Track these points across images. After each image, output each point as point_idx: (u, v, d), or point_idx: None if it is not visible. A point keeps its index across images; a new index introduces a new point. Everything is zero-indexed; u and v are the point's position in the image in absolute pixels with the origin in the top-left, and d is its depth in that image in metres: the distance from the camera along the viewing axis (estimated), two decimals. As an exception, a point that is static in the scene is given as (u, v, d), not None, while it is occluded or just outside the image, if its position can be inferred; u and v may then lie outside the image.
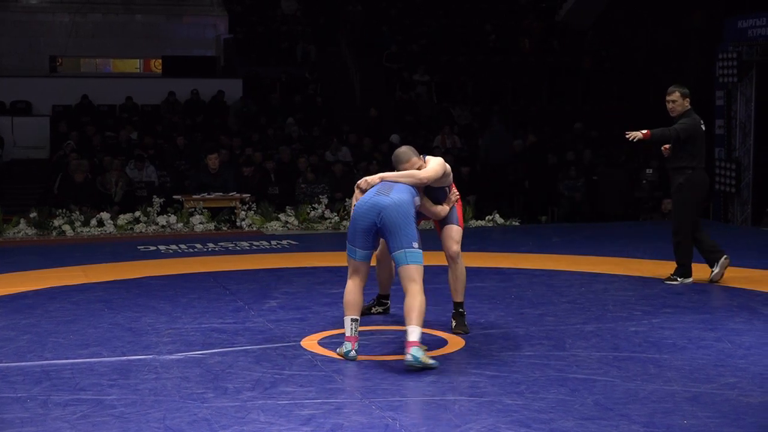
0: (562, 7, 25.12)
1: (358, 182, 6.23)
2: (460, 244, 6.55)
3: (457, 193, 6.68)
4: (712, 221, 14.46)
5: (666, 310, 7.26)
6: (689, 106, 8.40)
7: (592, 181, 16.40)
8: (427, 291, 7.65)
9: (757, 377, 5.39)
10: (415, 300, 5.68)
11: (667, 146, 8.48)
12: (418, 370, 5.49)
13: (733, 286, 8.27)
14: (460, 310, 6.65)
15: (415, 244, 5.77)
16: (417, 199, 6.15)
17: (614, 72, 22.80)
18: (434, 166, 6.31)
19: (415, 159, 6.28)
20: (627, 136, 8.29)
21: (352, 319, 5.88)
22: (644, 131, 8.21)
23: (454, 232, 6.53)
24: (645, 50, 23.15)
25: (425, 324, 6.67)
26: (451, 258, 6.54)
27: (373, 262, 6.65)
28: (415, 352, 5.49)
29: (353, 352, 5.82)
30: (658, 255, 10.12)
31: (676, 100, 8.39)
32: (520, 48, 23.26)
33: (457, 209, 6.63)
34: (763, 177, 14.63)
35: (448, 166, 6.49)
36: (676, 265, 8.48)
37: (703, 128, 8.42)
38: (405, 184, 6.07)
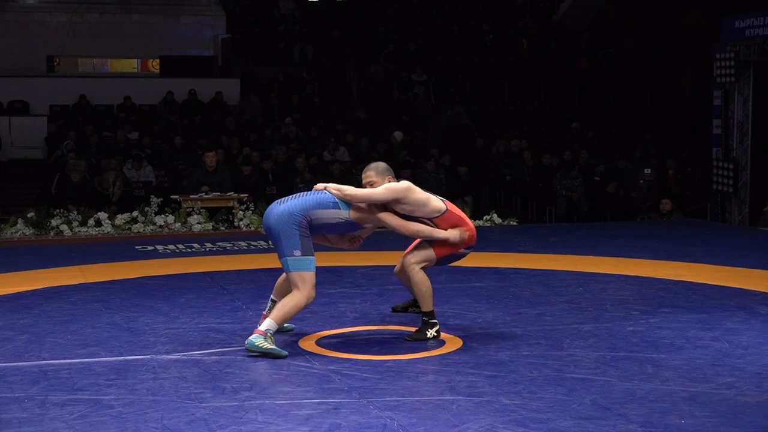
0: (559, 7, 25.16)
1: (316, 186, 6.36)
2: (419, 258, 6.28)
3: (469, 234, 6.36)
4: (709, 221, 14.48)
5: (663, 310, 7.26)
6: None
7: (593, 181, 16.42)
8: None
9: (755, 377, 5.39)
10: (287, 301, 5.97)
11: None
12: (261, 355, 5.79)
13: (731, 285, 8.28)
14: (423, 318, 6.35)
15: (297, 252, 5.97)
16: (341, 212, 6.10)
17: (611, 72, 22.84)
18: (376, 189, 6.17)
19: (371, 173, 6.26)
20: None
21: (271, 299, 6.43)
22: None
23: (422, 249, 6.32)
24: (642, 50, 23.18)
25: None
26: (405, 265, 6.34)
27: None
28: (254, 338, 5.84)
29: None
30: (656, 255, 10.13)
31: None
32: (517, 48, 23.29)
33: (448, 245, 6.31)
34: (761, 177, 14.65)
35: (411, 195, 6.20)
36: None
37: None
38: (334, 195, 6.13)
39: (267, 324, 5.90)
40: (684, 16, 21.97)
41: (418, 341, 6.24)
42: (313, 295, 6.01)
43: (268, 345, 5.83)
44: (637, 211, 15.48)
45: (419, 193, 6.28)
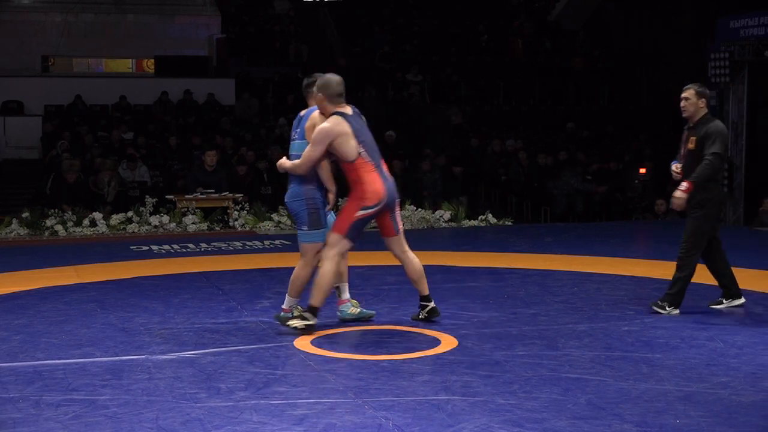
0: (554, 7, 25.17)
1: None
2: (329, 249, 6.41)
3: (366, 196, 6.36)
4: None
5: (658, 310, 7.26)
6: (707, 109, 7.19)
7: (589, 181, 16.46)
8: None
9: (749, 376, 5.40)
10: (295, 273, 6.55)
11: (677, 167, 7.33)
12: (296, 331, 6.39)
13: (726, 285, 8.28)
14: (304, 311, 6.48)
15: (304, 227, 6.50)
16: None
17: (606, 72, 22.86)
18: (297, 162, 6.44)
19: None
20: (674, 206, 7.24)
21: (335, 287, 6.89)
22: (684, 186, 7.02)
23: (330, 239, 6.46)
24: (637, 50, 23.20)
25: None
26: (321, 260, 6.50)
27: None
28: (282, 315, 6.64)
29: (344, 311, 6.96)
30: (651, 255, 10.14)
31: (689, 98, 7.15)
32: (513, 48, 23.30)
33: (343, 217, 6.42)
34: (755, 177, 14.67)
35: (333, 135, 6.28)
36: (669, 289, 7.29)
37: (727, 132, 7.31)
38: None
39: (286, 301, 6.62)
40: (679, 16, 22.00)
41: (280, 323, 6.64)
42: (315, 263, 6.50)
43: (293, 323, 6.44)
44: (632, 212, 15.50)
45: (322, 148, 6.31)
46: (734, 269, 9.10)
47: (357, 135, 6.37)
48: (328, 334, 6.49)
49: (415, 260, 6.74)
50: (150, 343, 6.28)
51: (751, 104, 14.41)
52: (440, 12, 24.40)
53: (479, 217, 13.89)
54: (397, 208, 6.67)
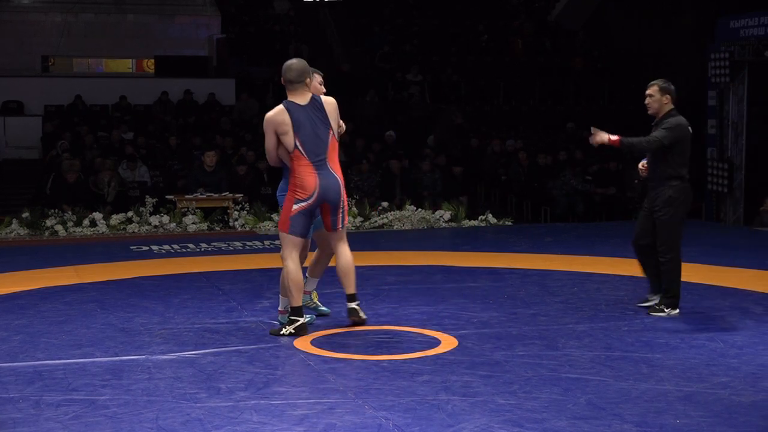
0: (554, 7, 25.16)
1: None
2: (284, 251, 6.45)
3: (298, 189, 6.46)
4: (704, 221, 14.49)
5: (658, 310, 7.26)
6: (672, 106, 7.03)
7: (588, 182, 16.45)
8: (421, 290, 7.71)
9: (749, 376, 5.40)
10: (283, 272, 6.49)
11: (644, 164, 7.27)
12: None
13: (725, 285, 8.29)
14: (288, 315, 6.51)
15: None
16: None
17: (606, 72, 22.85)
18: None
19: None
20: (592, 137, 7.19)
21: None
22: (614, 136, 7.01)
23: (282, 241, 6.54)
24: (637, 50, 23.19)
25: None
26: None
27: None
28: (280, 318, 6.67)
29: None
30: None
31: (653, 95, 7.04)
32: (513, 48, 23.29)
33: (283, 215, 6.51)
34: (755, 177, 14.67)
35: (274, 125, 6.46)
36: (664, 294, 7.14)
37: (690, 131, 7.09)
38: None
39: (281, 302, 6.64)
40: (679, 16, 21.99)
41: (275, 336, 6.43)
42: (294, 257, 6.43)
43: (282, 332, 6.39)
44: (632, 212, 15.49)
45: (271, 137, 6.51)
46: (733, 269, 9.14)
47: (295, 127, 6.41)
48: (328, 334, 6.48)
49: (345, 256, 6.62)
50: (150, 343, 6.28)
51: (751, 104, 14.40)
52: (440, 12, 24.38)
53: (479, 217, 13.89)
54: (344, 207, 6.60)
